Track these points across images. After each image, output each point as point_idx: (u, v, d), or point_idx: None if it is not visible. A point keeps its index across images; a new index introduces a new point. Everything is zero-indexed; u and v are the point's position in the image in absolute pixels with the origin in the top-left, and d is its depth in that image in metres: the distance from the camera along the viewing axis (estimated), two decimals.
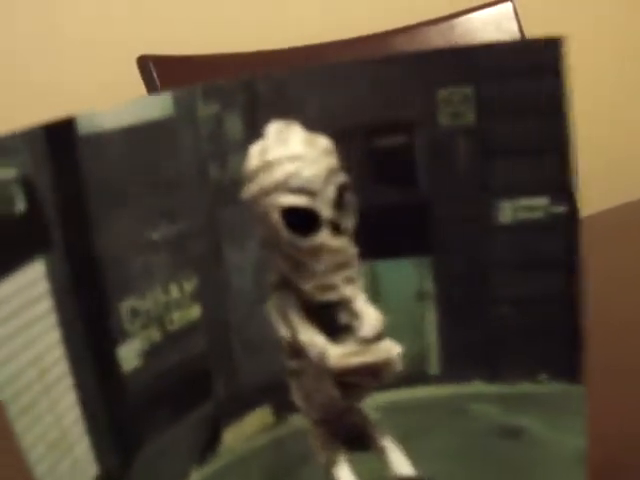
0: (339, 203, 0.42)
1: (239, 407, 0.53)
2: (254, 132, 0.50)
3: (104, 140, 0.44)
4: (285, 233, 0.40)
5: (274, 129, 0.42)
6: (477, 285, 0.57)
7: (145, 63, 1.03)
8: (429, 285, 0.57)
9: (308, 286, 0.42)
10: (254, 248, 0.49)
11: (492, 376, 0.59)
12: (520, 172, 0.56)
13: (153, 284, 0.48)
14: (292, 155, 0.41)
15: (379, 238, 0.56)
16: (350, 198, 0.43)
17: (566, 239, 0.56)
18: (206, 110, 0.49)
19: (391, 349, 0.44)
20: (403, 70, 0.54)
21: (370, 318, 0.44)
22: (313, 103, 0.53)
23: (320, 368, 0.42)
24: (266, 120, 0.51)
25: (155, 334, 0.48)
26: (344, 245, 0.42)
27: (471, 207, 0.56)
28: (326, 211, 0.41)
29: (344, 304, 0.45)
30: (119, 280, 0.46)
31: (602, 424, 0.58)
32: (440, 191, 0.56)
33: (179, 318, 0.50)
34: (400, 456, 0.47)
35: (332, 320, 0.45)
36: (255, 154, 0.41)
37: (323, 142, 0.42)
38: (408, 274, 0.57)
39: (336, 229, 0.42)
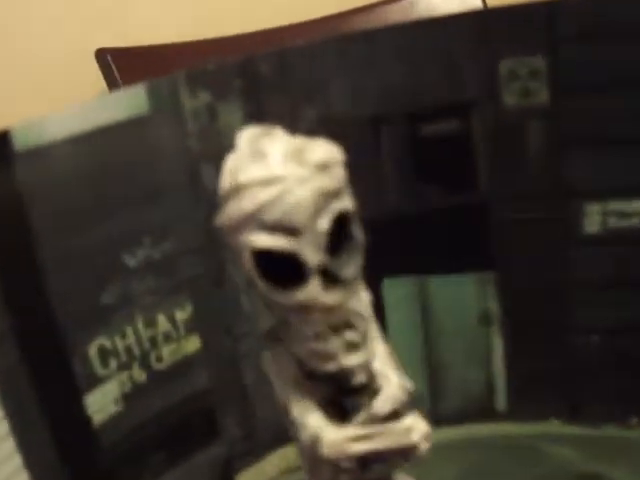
0: (339, 241, 0.32)
1: (256, 447, 0.46)
2: (259, 124, 0.41)
3: (51, 152, 0.36)
4: (260, 283, 0.31)
5: (247, 137, 0.32)
6: (553, 308, 0.46)
7: (103, 56, 0.95)
8: (494, 306, 0.46)
9: (298, 352, 0.33)
10: None
11: (571, 415, 0.48)
12: (609, 167, 0.43)
13: (133, 317, 0.40)
14: (267, 177, 0.30)
15: (429, 249, 0.46)
16: (356, 232, 0.33)
17: None
18: (193, 102, 0.40)
19: (413, 431, 0.34)
20: (452, 37, 0.42)
21: (388, 388, 0.34)
22: (336, 84, 0.43)
23: (314, 454, 0.33)
24: (273, 109, 0.41)
25: (139, 374, 0.41)
26: (342, 300, 0.32)
27: (546, 211, 0.45)
28: (314, 256, 0.30)
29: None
30: (82, 318, 0.38)
31: None
32: (505, 190, 0.45)
33: (170, 353, 0.42)
34: None
35: (347, 384, 0.35)
36: (227, 171, 0.31)
37: (318, 153, 0.31)
38: (468, 293, 0.46)
39: (332, 279, 0.31)
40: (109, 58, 0.91)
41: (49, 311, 0.37)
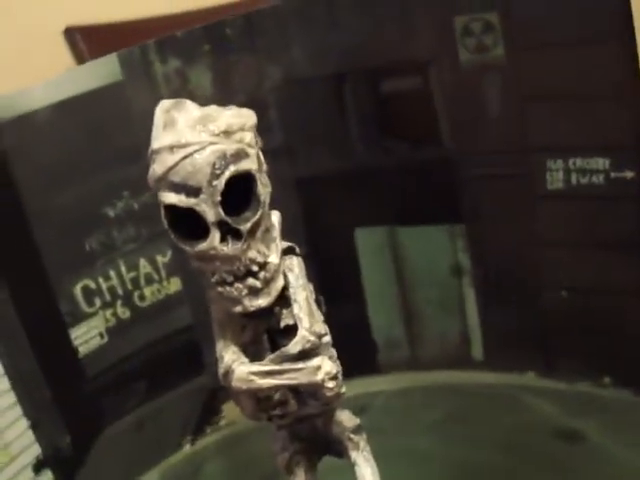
0: (246, 198, 0.37)
1: None
2: (225, 85, 0.46)
3: (34, 119, 0.43)
4: (171, 234, 0.37)
5: (162, 109, 0.37)
6: (522, 263, 0.49)
7: (72, 34, 0.97)
8: (464, 258, 0.50)
9: (212, 296, 0.39)
10: None
11: (547, 369, 0.51)
12: (572, 123, 0.46)
13: (115, 261, 0.48)
14: (174, 144, 0.36)
15: (398, 201, 0.50)
16: (258, 190, 0.37)
17: (636, 212, 0.46)
18: (164, 67, 0.46)
19: (319, 370, 0.39)
20: None
21: (300, 331, 0.40)
22: (299, 45, 0.47)
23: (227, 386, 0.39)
24: (240, 71, 0.46)
25: (122, 311, 0.49)
26: (240, 251, 0.37)
27: (509, 167, 0.48)
28: (212, 211, 0.36)
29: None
30: (68, 262, 0.46)
31: None
32: (468, 146, 0.48)
33: (153, 293, 0.49)
34: (370, 475, 0.43)
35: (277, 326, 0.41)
36: (151, 140, 0.37)
37: (222, 121, 0.36)
38: (439, 244, 0.51)
39: (233, 233, 0.37)
40: (78, 36, 0.95)
41: (36, 257, 0.45)
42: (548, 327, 0.51)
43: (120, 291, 0.49)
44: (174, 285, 0.50)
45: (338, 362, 0.43)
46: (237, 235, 0.37)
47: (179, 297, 0.50)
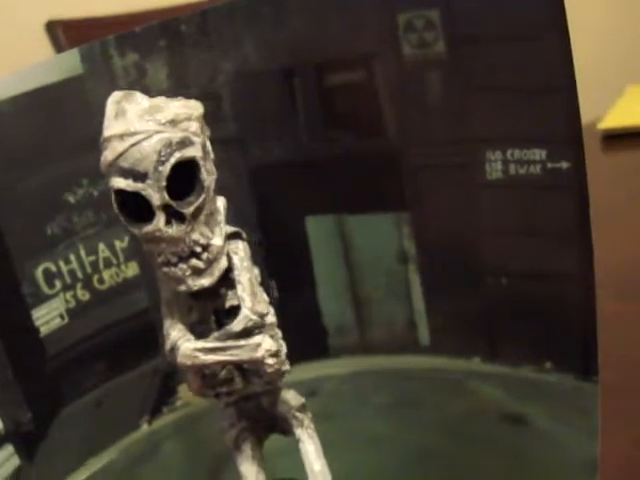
0: (191, 184, 0.42)
1: None
2: (180, 79, 0.51)
3: None
4: (120, 217, 0.41)
5: (113, 100, 0.42)
6: (465, 251, 0.54)
7: (54, 28, 1.02)
8: (410, 245, 0.55)
9: (159, 276, 0.43)
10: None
11: (492, 355, 0.56)
12: (510, 116, 0.51)
13: (75, 245, 0.52)
14: (123, 132, 0.40)
15: (346, 191, 0.55)
16: (202, 176, 0.42)
17: (570, 201, 0.50)
18: (123, 61, 0.51)
19: (259, 347, 0.44)
20: None
21: (243, 311, 0.44)
22: (251, 39, 0.52)
23: (173, 362, 0.44)
24: (195, 65, 0.51)
25: (82, 294, 0.53)
26: (184, 233, 0.41)
27: (450, 158, 0.52)
28: (157, 196, 0.40)
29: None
30: (29, 246, 0.50)
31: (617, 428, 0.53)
32: (411, 137, 0.53)
33: (111, 276, 0.54)
34: (313, 451, 0.48)
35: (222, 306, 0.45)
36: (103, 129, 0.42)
37: (169, 111, 0.41)
38: (385, 232, 0.55)
39: (178, 216, 0.41)
40: (59, 30, 0.99)
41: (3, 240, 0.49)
42: (491, 313, 0.56)
43: (80, 274, 0.53)
44: (132, 269, 0.55)
45: (282, 342, 0.47)
46: (181, 218, 0.41)
47: (136, 281, 0.55)
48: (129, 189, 0.40)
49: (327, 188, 0.55)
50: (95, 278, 0.54)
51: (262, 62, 0.52)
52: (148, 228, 0.41)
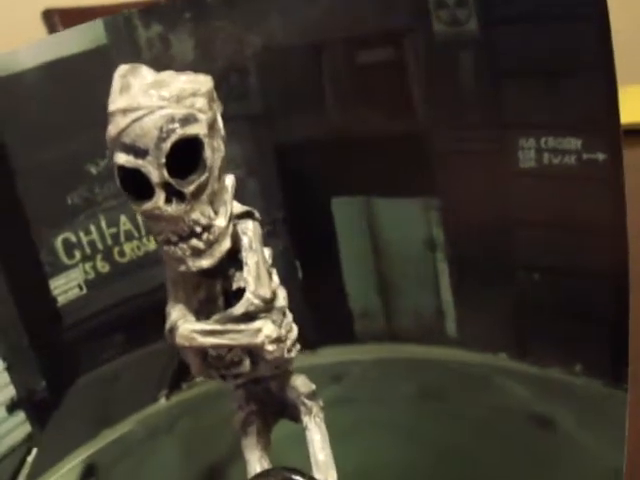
0: (194, 162, 0.41)
1: None
2: (206, 52, 0.50)
3: (21, 80, 0.48)
4: (123, 193, 0.41)
5: (119, 74, 0.41)
6: (495, 242, 0.52)
7: (51, 16, 1.01)
8: (438, 233, 0.53)
9: (164, 254, 0.43)
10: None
11: (519, 353, 0.54)
12: (544, 101, 0.48)
13: (96, 216, 0.52)
14: (126, 107, 0.40)
15: (374, 172, 0.53)
16: (205, 155, 0.41)
17: (606, 196, 0.48)
18: (147, 32, 0.50)
19: (260, 333, 0.43)
20: None
21: (246, 294, 0.43)
22: (279, 13, 0.51)
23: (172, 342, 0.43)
24: (221, 38, 0.50)
25: (102, 265, 0.53)
26: (183, 212, 0.41)
27: (482, 143, 0.50)
28: (156, 173, 0.39)
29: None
30: (50, 216, 0.51)
31: None
32: (441, 119, 0.51)
33: (132, 249, 0.54)
34: (319, 441, 0.47)
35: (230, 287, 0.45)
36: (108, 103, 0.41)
37: (175, 86, 0.40)
38: (413, 217, 0.53)
39: (178, 194, 0.40)
40: (56, 18, 0.99)
41: (19, 209, 0.50)
42: (521, 309, 0.54)
43: (100, 246, 0.53)
44: (153, 243, 0.54)
45: (293, 325, 0.46)
46: (181, 197, 0.40)
47: (157, 255, 0.55)
48: (129, 165, 0.40)
49: (354, 169, 0.53)
50: (116, 250, 0.54)
51: (290, 37, 0.50)
52: (147, 206, 0.40)
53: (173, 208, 0.40)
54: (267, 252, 0.46)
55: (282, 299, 0.46)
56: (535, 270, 0.52)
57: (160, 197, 0.40)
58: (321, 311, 0.57)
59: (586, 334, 0.51)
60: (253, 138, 0.53)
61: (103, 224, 0.53)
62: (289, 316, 0.46)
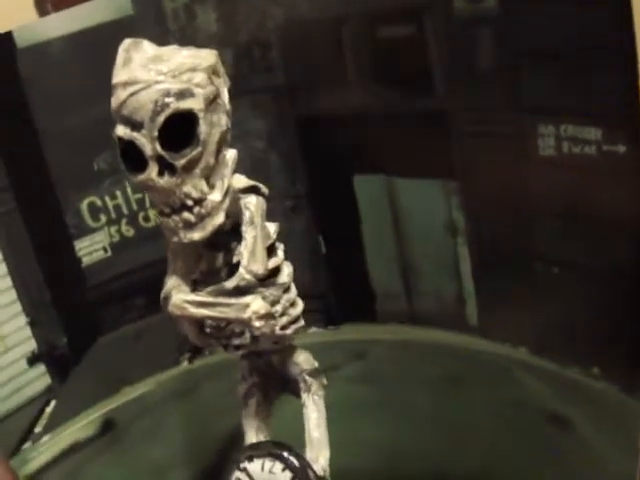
0: (189, 136, 0.42)
1: None
2: (230, 23, 0.51)
3: (48, 48, 0.50)
4: (121, 164, 0.42)
5: (122, 48, 0.42)
6: (513, 230, 0.50)
7: (43, 3, 0.98)
8: (459, 216, 0.52)
9: (161, 226, 0.44)
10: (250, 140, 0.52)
11: (539, 348, 0.53)
12: (564, 86, 0.46)
13: (122, 182, 0.54)
14: (126, 80, 0.41)
15: (395, 150, 0.53)
16: (199, 130, 0.42)
17: (626, 190, 0.46)
18: (173, 3, 0.51)
19: (248, 308, 0.44)
20: None
21: (241, 268, 0.44)
22: None
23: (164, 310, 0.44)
24: (244, 10, 0.51)
25: (126, 229, 0.55)
26: (175, 185, 0.42)
27: (500, 127, 0.49)
28: (149, 145, 0.41)
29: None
30: (76, 179, 0.53)
31: None
32: (460, 99, 0.49)
33: (157, 215, 0.55)
34: (315, 419, 0.47)
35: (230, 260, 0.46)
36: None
37: (174, 61, 0.41)
38: (433, 198, 0.52)
39: (171, 167, 0.42)
40: (48, 6, 0.99)
41: (46, 172, 0.52)
42: (540, 303, 0.52)
43: (125, 210, 0.55)
44: None
45: (299, 302, 0.46)
46: (173, 170, 0.41)
47: None
48: (125, 137, 0.41)
49: (375, 146, 0.53)
50: (141, 215, 0.55)
51: (313, 10, 0.50)
52: (140, 177, 0.42)
53: (165, 180, 0.41)
54: (272, 228, 0.47)
55: (286, 275, 0.46)
56: (554, 264, 0.50)
57: (153, 169, 0.41)
58: (344, 288, 0.57)
59: (605, 337, 0.50)
60: (274, 110, 0.53)
61: (129, 189, 0.55)
62: (293, 292, 0.46)
